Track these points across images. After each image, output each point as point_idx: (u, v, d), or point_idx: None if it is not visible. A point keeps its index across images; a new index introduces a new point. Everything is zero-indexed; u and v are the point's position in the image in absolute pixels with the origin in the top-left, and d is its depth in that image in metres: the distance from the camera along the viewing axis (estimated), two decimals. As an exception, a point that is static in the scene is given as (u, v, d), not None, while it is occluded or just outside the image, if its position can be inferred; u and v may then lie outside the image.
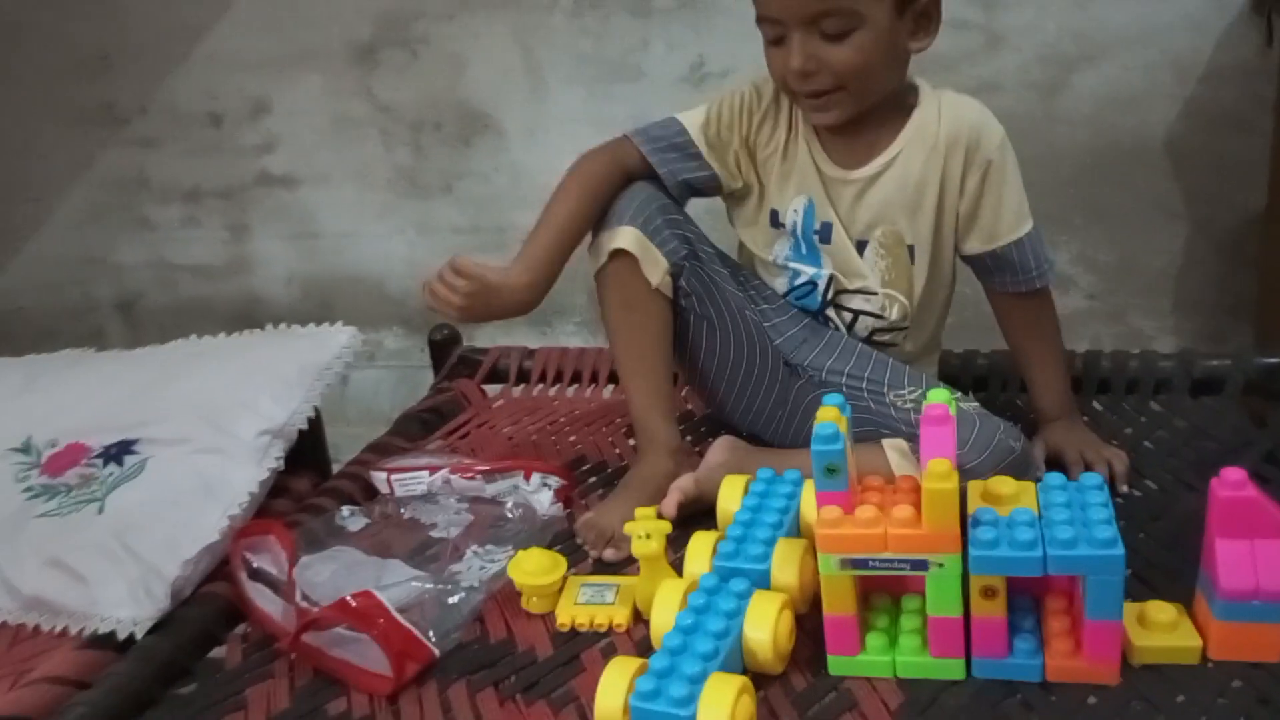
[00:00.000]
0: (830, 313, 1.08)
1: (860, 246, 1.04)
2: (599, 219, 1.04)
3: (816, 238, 1.04)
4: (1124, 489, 1.00)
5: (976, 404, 1.02)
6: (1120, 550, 0.70)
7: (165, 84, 1.92)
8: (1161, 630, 0.77)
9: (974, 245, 1.02)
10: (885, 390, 1.03)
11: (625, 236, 1.02)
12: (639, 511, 0.88)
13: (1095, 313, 1.70)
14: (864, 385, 1.03)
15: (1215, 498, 0.74)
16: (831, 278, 1.06)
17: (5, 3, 1.92)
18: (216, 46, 1.87)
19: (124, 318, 2.13)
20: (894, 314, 1.06)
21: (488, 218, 1.87)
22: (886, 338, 1.08)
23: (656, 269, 1.02)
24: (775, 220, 1.06)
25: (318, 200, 1.94)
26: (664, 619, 0.82)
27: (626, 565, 0.96)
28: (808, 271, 1.06)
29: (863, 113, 0.99)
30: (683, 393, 1.25)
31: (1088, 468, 1.00)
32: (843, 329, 1.09)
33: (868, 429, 1.00)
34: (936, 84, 1.04)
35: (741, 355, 1.08)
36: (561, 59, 1.73)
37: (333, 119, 1.87)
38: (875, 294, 1.05)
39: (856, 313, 1.07)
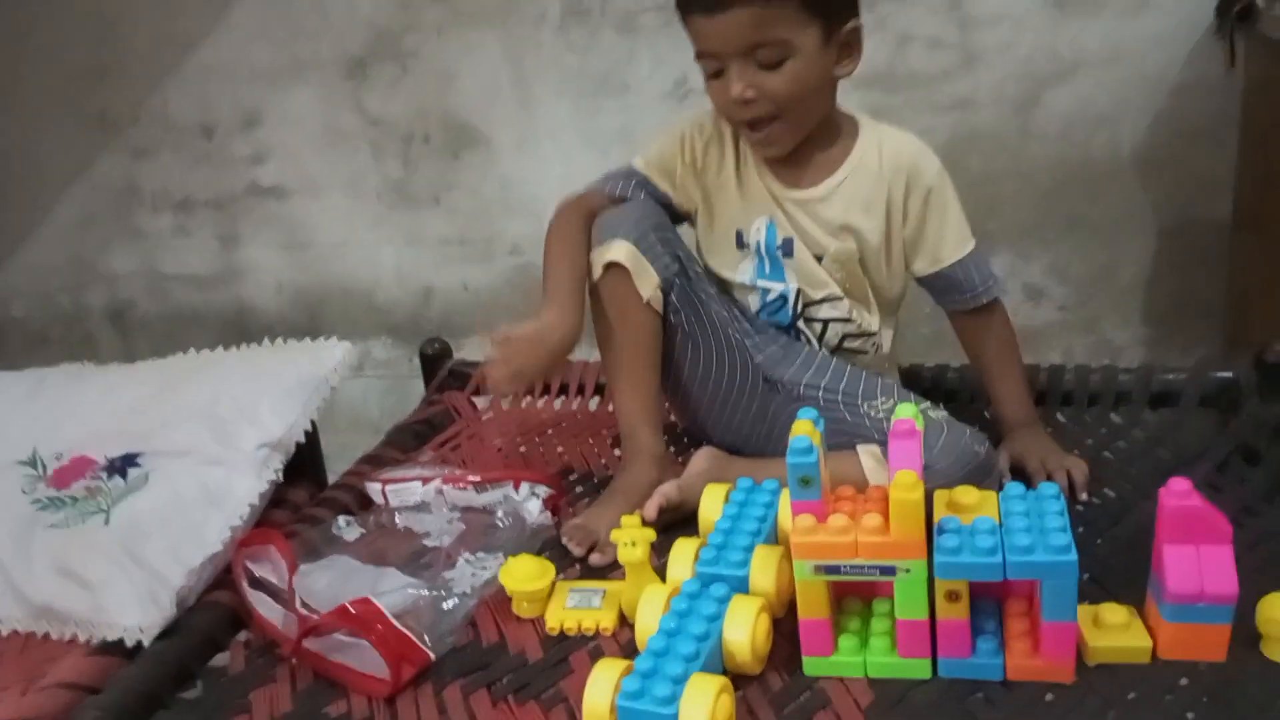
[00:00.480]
0: (801, 325, 1.13)
1: (818, 260, 1.09)
2: (592, 243, 1.08)
3: (780, 253, 1.09)
4: (1083, 496, 1.04)
5: (944, 412, 1.06)
6: (1073, 556, 0.74)
7: (158, 94, 1.94)
8: (1114, 631, 0.82)
9: (922, 266, 1.09)
10: (859, 401, 1.07)
11: (619, 250, 1.05)
12: (625, 519, 0.92)
13: (1068, 324, 1.75)
14: (839, 397, 1.08)
15: (1163, 506, 0.79)
16: (799, 291, 1.10)
17: (3, 10, 1.94)
18: (210, 58, 1.89)
19: (115, 326, 2.15)
20: (860, 319, 1.11)
21: (476, 229, 1.90)
22: (857, 344, 1.13)
23: (648, 283, 1.06)
24: (740, 241, 1.11)
25: (308, 211, 1.97)
26: (648, 622, 0.86)
27: (612, 571, 0.99)
28: (776, 288, 1.11)
29: (804, 141, 1.06)
30: (665, 405, 1.28)
31: (1048, 476, 1.04)
32: (815, 342, 1.13)
33: (843, 437, 1.04)
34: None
35: (724, 372, 1.12)
36: (549, 73, 1.76)
37: (323, 131, 1.90)
38: (841, 299, 1.10)
39: (826, 321, 1.12)
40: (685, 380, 1.14)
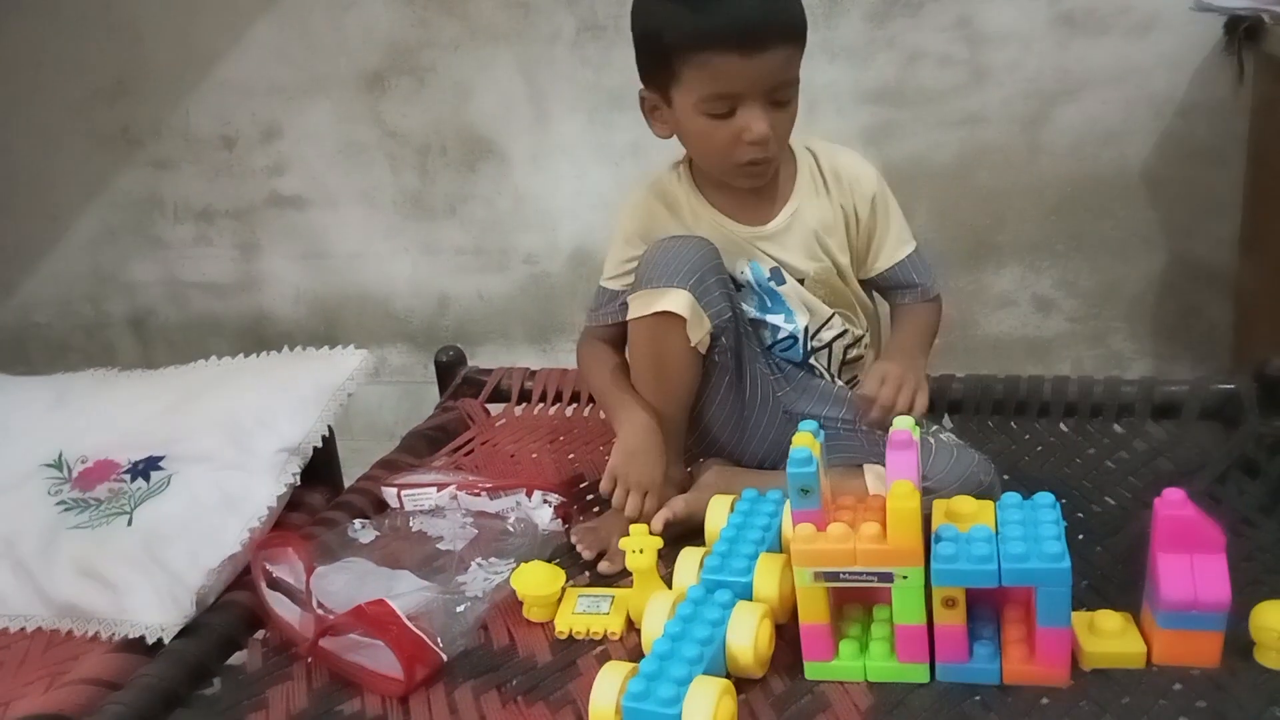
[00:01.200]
0: (814, 361, 1.13)
1: (801, 283, 1.10)
2: (646, 278, 1.04)
3: (772, 284, 1.09)
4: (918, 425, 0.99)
5: (954, 437, 1.07)
6: (1067, 564, 0.76)
7: (180, 108, 1.98)
8: (1110, 637, 0.83)
9: (877, 266, 1.12)
10: (877, 431, 1.06)
11: (678, 300, 1.02)
12: (634, 528, 0.94)
13: (1077, 335, 1.76)
14: (839, 425, 1.08)
15: (1158, 516, 0.81)
16: (806, 328, 1.11)
17: (25, 30, 1.99)
18: (230, 73, 1.93)
19: (136, 333, 2.19)
20: (850, 326, 1.13)
21: (491, 240, 1.93)
22: (855, 352, 1.15)
23: (700, 329, 1.04)
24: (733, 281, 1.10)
25: (326, 221, 2.00)
26: (654, 627, 0.88)
27: (621, 578, 1.02)
28: (786, 328, 1.11)
29: None
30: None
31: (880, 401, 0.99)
32: (827, 374, 1.14)
33: (857, 456, 1.06)
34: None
35: (753, 408, 1.12)
36: (564, 88, 1.79)
37: (342, 143, 1.93)
38: (832, 317, 1.12)
39: (830, 344, 1.13)
40: (714, 412, 1.13)
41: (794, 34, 0.98)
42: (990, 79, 1.65)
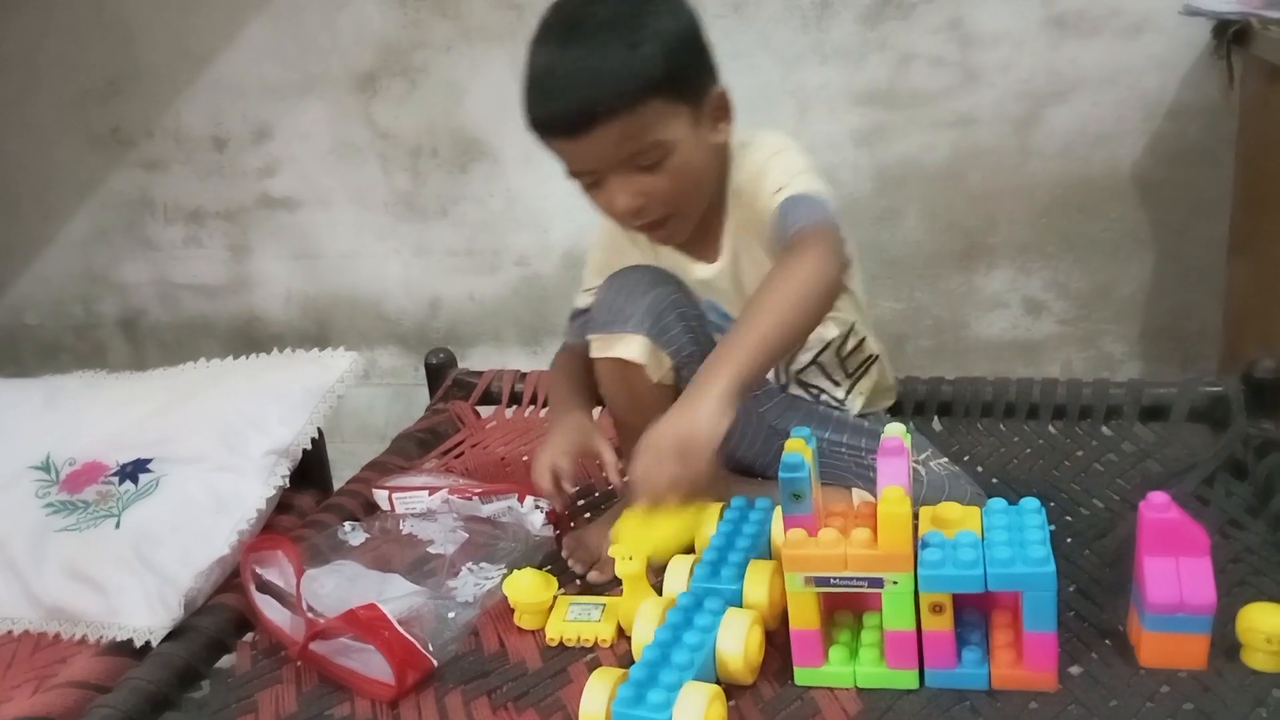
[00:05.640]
0: (794, 389, 1.10)
1: None
2: (602, 321, 1.02)
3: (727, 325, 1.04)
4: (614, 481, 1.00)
5: (949, 466, 1.06)
6: (1052, 568, 0.76)
7: (171, 109, 1.98)
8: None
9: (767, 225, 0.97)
10: (863, 453, 1.05)
11: (633, 347, 1.00)
12: (620, 534, 0.92)
13: (1067, 337, 1.77)
14: (844, 448, 1.06)
15: (1143, 519, 0.81)
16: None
17: (18, 29, 1.98)
18: (222, 73, 1.93)
19: (126, 334, 2.19)
20: (834, 327, 1.06)
21: (483, 241, 1.93)
22: (853, 345, 1.08)
23: (660, 369, 1.02)
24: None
25: (317, 222, 2.00)
26: (645, 634, 0.87)
27: (612, 586, 1.01)
28: None
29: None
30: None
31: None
32: (808, 397, 1.10)
33: (842, 479, 1.05)
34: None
35: (736, 425, 1.10)
36: (555, 90, 1.79)
37: (334, 144, 1.93)
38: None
39: (816, 358, 1.08)
40: None
41: (621, 109, 0.89)
42: (982, 80, 1.65)
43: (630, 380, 1.02)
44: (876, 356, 1.10)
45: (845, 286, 0.99)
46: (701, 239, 1.03)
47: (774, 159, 0.97)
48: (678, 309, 1.02)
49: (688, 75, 0.93)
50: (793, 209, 0.92)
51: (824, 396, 1.09)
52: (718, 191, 1.01)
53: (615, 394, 1.06)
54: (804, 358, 1.08)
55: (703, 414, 0.80)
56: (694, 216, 0.99)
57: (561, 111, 0.90)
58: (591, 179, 0.94)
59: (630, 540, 0.88)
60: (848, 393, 1.10)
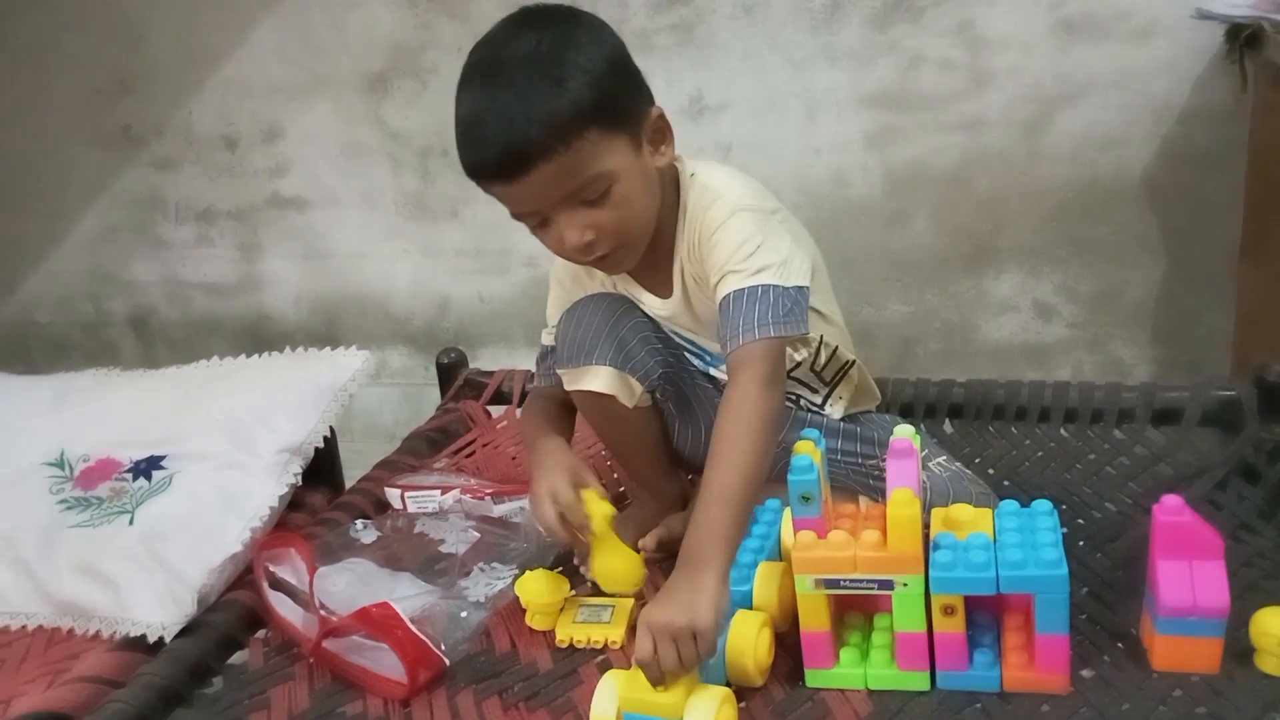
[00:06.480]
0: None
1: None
2: (566, 357, 1.02)
3: (699, 355, 1.06)
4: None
5: (946, 459, 1.05)
6: (1064, 571, 0.77)
7: (182, 109, 1.98)
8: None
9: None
10: (859, 459, 1.05)
11: (600, 378, 1.00)
12: (586, 494, 0.94)
13: (1077, 341, 1.76)
14: (839, 456, 1.05)
15: (1156, 523, 0.81)
16: None
17: (30, 28, 1.99)
18: (233, 73, 1.93)
19: (136, 333, 2.19)
20: (803, 349, 1.04)
21: (491, 242, 1.93)
22: (825, 359, 1.06)
23: (632, 396, 1.02)
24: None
25: (327, 222, 2.00)
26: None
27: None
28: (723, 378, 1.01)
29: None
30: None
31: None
32: (802, 412, 1.08)
33: (847, 487, 1.04)
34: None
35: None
36: (564, 91, 1.80)
37: (343, 144, 1.93)
38: None
39: (789, 373, 1.05)
40: (679, 444, 1.10)
41: (556, 148, 0.86)
42: (991, 84, 1.65)
43: (606, 408, 1.02)
44: (853, 361, 1.08)
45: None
46: (653, 272, 1.01)
47: (730, 224, 0.93)
48: (639, 334, 1.01)
49: (619, 103, 0.90)
50: (735, 311, 0.90)
51: (803, 402, 1.08)
52: (668, 218, 0.98)
53: (596, 420, 1.07)
54: None
55: (703, 602, 0.81)
56: (642, 244, 0.96)
57: (495, 157, 0.88)
58: (536, 220, 0.92)
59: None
60: (825, 399, 1.09)
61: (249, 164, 1.99)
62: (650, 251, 0.98)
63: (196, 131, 1.99)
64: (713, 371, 1.06)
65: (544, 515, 0.96)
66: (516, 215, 0.93)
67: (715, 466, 0.87)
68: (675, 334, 1.05)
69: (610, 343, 0.99)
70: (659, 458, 1.10)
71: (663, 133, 0.95)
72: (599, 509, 0.94)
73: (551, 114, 0.86)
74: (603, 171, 0.89)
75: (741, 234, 0.92)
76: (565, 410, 1.09)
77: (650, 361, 1.01)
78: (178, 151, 2.02)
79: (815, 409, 1.08)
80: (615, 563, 0.96)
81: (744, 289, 0.91)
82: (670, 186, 0.98)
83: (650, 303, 1.03)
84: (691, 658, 0.80)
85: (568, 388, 1.04)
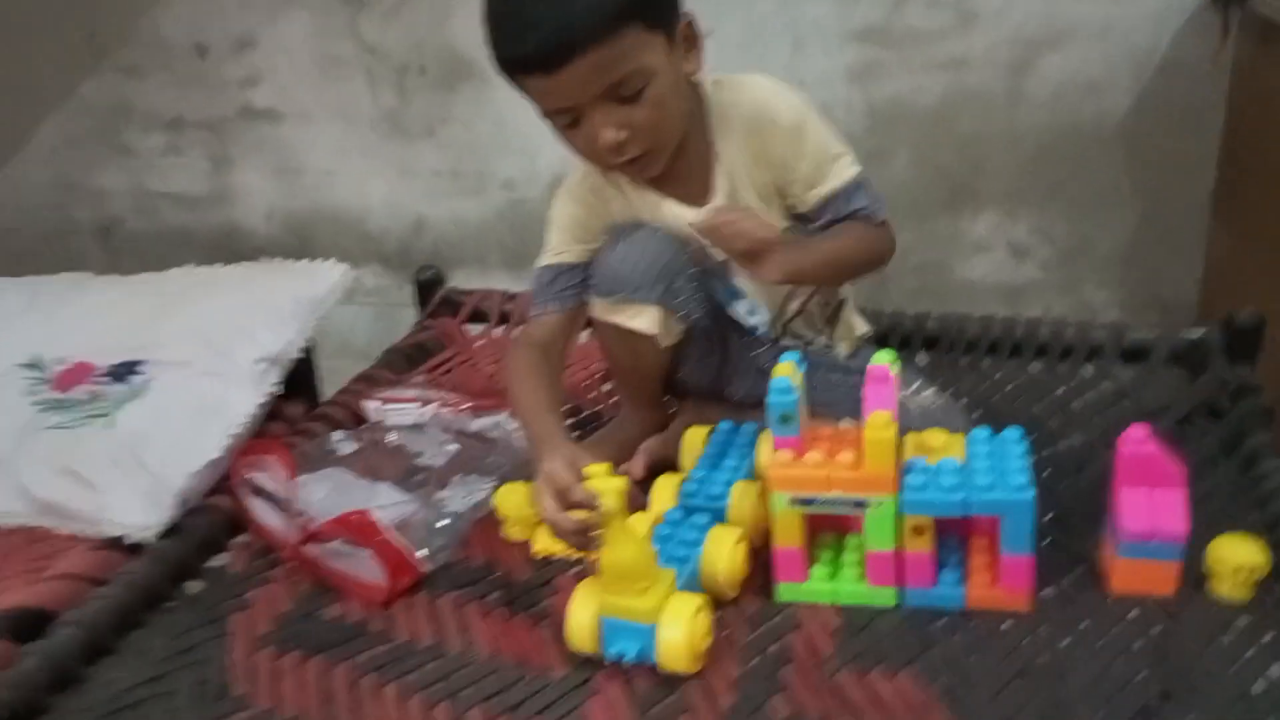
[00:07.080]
0: (792, 328, 1.08)
1: None
2: (610, 287, 0.99)
3: (726, 279, 1.04)
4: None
5: (939, 396, 1.06)
6: (1031, 494, 0.79)
7: (149, 15, 1.93)
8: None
9: (809, 200, 1.00)
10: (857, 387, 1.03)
11: (645, 318, 0.98)
12: (593, 469, 0.85)
13: (1049, 284, 1.79)
14: (840, 383, 1.02)
15: (1120, 451, 0.84)
16: (771, 314, 1.05)
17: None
18: (203, -21, 1.88)
19: (103, 243, 2.15)
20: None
21: (469, 163, 1.91)
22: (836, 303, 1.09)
23: (670, 336, 1.01)
24: None
25: (300, 137, 1.96)
26: None
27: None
28: (751, 320, 1.05)
29: (678, 151, 0.97)
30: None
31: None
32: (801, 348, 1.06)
33: (838, 410, 1.01)
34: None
35: (731, 365, 1.09)
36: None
37: (318, 57, 1.88)
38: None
39: (805, 305, 1.07)
40: (691, 368, 1.09)
41: (600, 38, 0.85)
42: (977, 23, 1.65)
43: (637, 347, 1.01)
44: (845, 299, 1.10)
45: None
46: (686, 181, 1.00)
47: (809, 122, 0.98)
48: (685, 270, 1.00)
49: (660, 1, 0.90)
50: (857, 195, 1.00)
51: (811, 346, 1.09)
52: (696, 129, 0.98)
53: (619, 356, 1.05)
54: (793, 306, 1.07)
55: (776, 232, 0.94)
56: (670, 149, 0.96)
57: (536, 47, 0.86)
58: (569, 117, 0.91)
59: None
60: (830, 339, 1.10)
61: (220, 73, 1.94)
62: (677, 160, 0.97)
63: (165, 39, 1.94)
64: (731, 312, 1.05)
65: (545, 508, 0.88)
66: (548, 113, 0.92)
67: (835, 231, 0.99)
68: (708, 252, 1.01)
69: (663, 281, 0.98)
70: (659, 383, 1.10)
71: (693, 40, 0.95)
72: (611, 484, 0.83)
73: (597, 4, 0.85)
74: (642, 67, 0.88)
75: (818, 132, 0.99)
76: (554, 363, 1.03)
77: (693, 301, 1.00)
78: (145, 59, 1.96)
79: (825, 349, 1.09)
80: (627, 554, 0.82)
81: (863, 183, 1.01)
82: (694, 92, 0.98)
83: (681, 213, 1.00)
84: (761, 232, 0.92)
85: (601, 317, 1.01)
